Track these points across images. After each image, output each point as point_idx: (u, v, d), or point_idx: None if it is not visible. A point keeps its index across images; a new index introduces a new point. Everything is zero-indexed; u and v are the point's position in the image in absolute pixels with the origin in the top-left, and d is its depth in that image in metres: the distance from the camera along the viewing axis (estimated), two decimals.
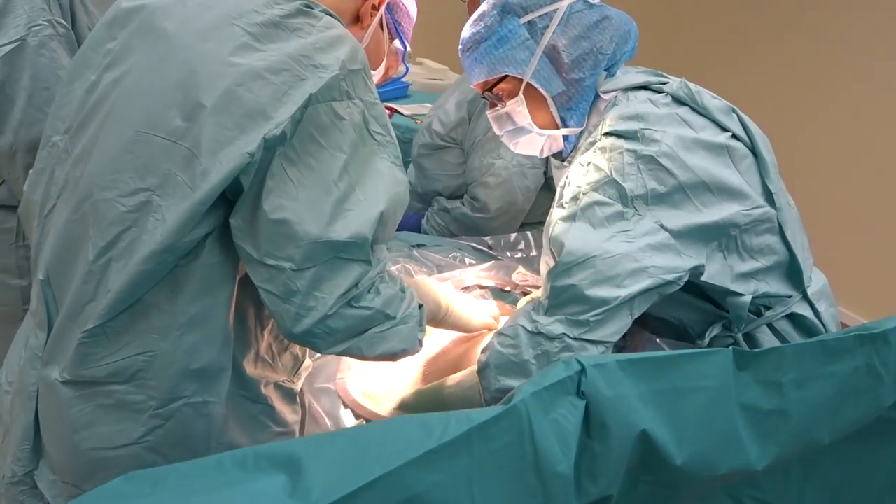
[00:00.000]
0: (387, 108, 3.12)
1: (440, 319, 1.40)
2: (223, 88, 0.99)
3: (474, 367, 1.34)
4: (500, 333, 1.30)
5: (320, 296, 1.01)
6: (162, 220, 1.00)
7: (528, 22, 1.32)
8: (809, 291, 1.35)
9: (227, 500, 0.77)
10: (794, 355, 1.03)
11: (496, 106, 1.42)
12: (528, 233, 2.19)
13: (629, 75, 1.36)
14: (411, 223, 2.43)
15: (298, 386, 1.28)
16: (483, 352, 1.32)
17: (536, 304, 1.27)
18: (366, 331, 1.08)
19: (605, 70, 1.36)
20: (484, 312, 1.53)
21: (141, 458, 1.06)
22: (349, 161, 1.02)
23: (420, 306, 1.18)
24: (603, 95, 1.36)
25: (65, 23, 1.64)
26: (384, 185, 1.06)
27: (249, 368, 1.15)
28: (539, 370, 1.16)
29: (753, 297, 1.31)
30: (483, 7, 1.38)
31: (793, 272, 1.34)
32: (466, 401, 1.30)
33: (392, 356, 1.13)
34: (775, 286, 1.33)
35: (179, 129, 1.00)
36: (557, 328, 1.21)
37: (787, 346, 1.04)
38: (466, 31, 1.39)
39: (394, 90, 3.46)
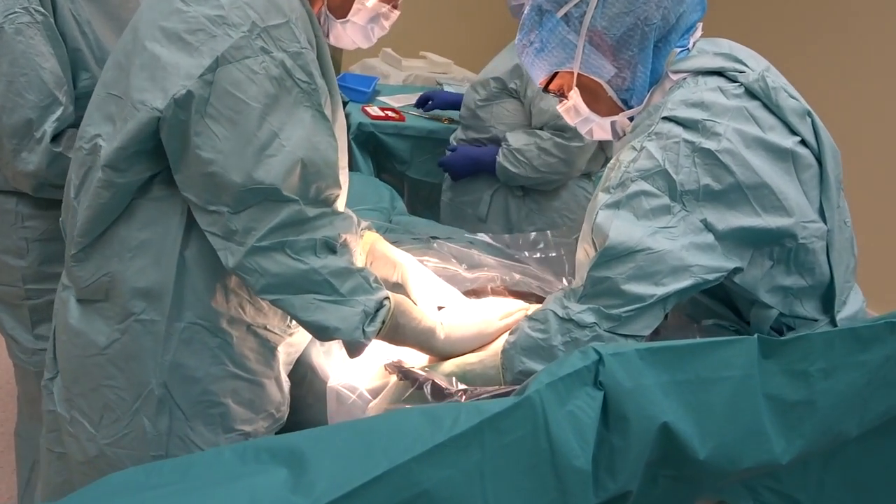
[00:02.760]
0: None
1: (438, 349, 1.35)
2: (150, 49, 1.13)
3: (497, 346, 1.31)
4: (530, 318, 1.27)
5: (253, 230, 1.12)
6: (99, 162, 1.17)
7: (565, 15, 1.26)
8: (839, 317, 1.26)
9: (228, 496, 0.73)
10: (823, 343, 0.99)
11: (563, 101, 1.37)
12: (549, 232, 2.13)
13: (705, 56, 1.26)
14: (488, 160, 2.46)
15: (283, 338, 1.33)
16: (511, 333, 1.29)
17: (569, 291, 1.24)
18: (307, 292, 1.16)
19: (661, 40, 1.26)
20: (491, 315, 1.45)
21: (104, 369, 1.22)
22: (268, 110, 1.12)
23: (382, 305, 1.23)
24: (671, 75, 1.28)
25: (43, 10, 1.64)
26: (305, 132, 1.15)
27: (215, 299, 1.23)
28: None
29: (780, 315, 1.24)
30: (525, 11, 1.34)
31: (827, 296, 1.26)
32: (487, 380, 1.27)
33: (323, 331, 1.18)
34: (808, 307, 1.25)
35: (125, 87, 1.16)
36: (589, 317, 1.17)
37: (815, 333, 1.00)
38: (516, 39, 1.36)
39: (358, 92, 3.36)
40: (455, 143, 2.63)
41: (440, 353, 1.36)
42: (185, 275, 1.21)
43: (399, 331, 1.27)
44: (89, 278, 1.22)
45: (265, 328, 1.30)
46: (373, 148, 3.02)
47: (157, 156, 1.16)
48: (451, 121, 3.06)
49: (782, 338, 0.97)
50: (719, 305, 1.34)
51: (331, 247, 1.18)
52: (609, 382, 0.87)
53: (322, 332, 1.19)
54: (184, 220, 1.19)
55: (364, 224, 1.58)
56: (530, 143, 2.37)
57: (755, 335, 0.96)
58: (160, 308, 1.20)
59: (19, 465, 2.15)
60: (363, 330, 1.19)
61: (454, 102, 2.93)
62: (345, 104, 3.18)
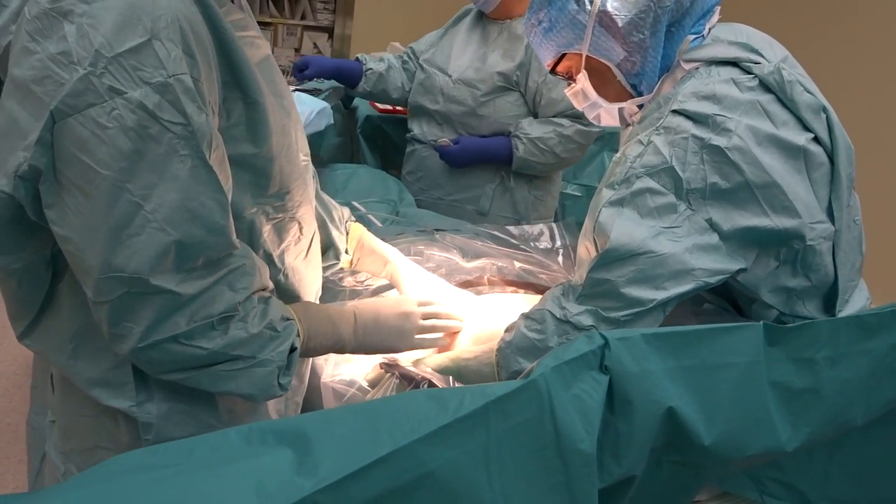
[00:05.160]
0: None
1: (350, 349, 1.27)
2: (6, 106, 0.89)
3: (494, 344, 1.30)
4: (526, 316, 1.26)
5: (127, 325, 0.93)
6: None
7: None
8: (840, 316, 1.25)
9: (232, 476, 0.73)
10: (829, 331, 0.99)
11: (572, 84, 1.34)
12: (553, 224, 2.13)
13: (719, 45, 1.22)
14: (500, 151, 2.37)
15: None
16: (507, 330, 1.28)
17: (567, 289, 1.22)
18: (208, 366, 1.00)
19: (675, 24, 1.22)
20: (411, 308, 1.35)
21: (102, 431, 1.09)
22: (126, 176, 0.86)
23: (292, 350, 1.08)
24: (684, 64, 1.24)
25: None
26: (180, 195, 0.90)
27: None
28: None
29: (781, 314, 1.23)
30: None
31: (830, 296, 1.24)
32: (481, 377, 1.26)
33: (239, 397, 1.07)
34: (809, 307, 1.24)
35: None
36: (586, 320, 1.16)
37: (821, 321, 1.00)
38: (525, 18, 1.33)
39: None
40: (442, 142, 2.48)
41: (357, 352, 1.30)
42: None
43: (310, 353, 1.20)
44: (45, 363, 1.05)
45: None
46: (381, 141, 3.02)
47: (44, 230, 0.94)
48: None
49: (788, 325, 0.97)
50: (719, 300, 1.34)
51: (230, 315, 0.99)
52: (615, 367, 0.87)
53: (241, 398, 1.07)
54: None
55: (346, 215, 1.53)
56: (549, 130, 2.32)
57: (761, 322, 0.96)
58: (125, 393, 1.04)
59: (30, 454, 2.14)
60: (278, 384, 1.06)
61: (335, 69, 2.61)
62: (353, 97, 3.18)
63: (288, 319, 1.09)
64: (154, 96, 0.85)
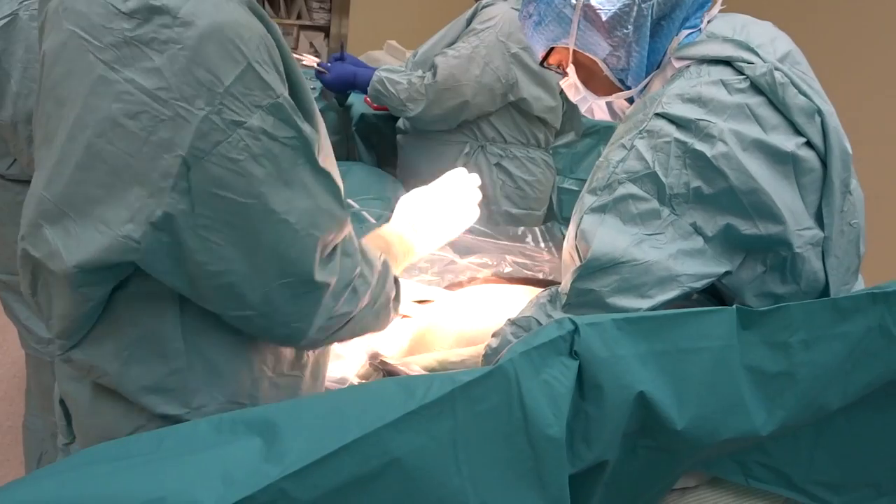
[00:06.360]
0: None
1: (418, 250, 1.40)
2: (85, 142, 0.85)
3: (480, 348, 1.30)
4: (513, 322, 1.25)
5: (296, 326, 0.98)
6: (55, 275, 0.91)
7: None
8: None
9: (199, 464, 0.74)
10: (803, 314, 0.98)
11: (564, 77, 1.34)
12: (536, 229, 2.15)
13: (713, 43, 1.18)
14: (363, 80, 2.50)
15: (302, 378, 1.20)
16: (494, 336, 1.28)
17: (554, 296, 1.22)
18: (348, 322, 1.06)
19: (664, 18, 1.19)
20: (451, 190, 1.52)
21: None
22: (266, 199, 0.89)
23: (397, 282, 1.19)
24: (675, 62, 1.21)
25: None
26: (312, 201, 0.94)
27: (240, 372, 1.07)
28: None
29: None
30: None
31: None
32: None
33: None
34: None
35: (61, 187, 0.89)
36: None
37: (795, 304, 0.99)
38: (519, 13, 1.33)
39: None
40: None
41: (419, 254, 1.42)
42: (198, 360, 1.00)
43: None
44: (87, 374, 1.02)
45: (283, 374, 1.13)
46: (376, 139, 3.02)
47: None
48: None
49: (761, 309, 0.96)
50: (705, 295, 1.33)
51: (355, 277, 1.06)
52: (584, 352, 0.87)
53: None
54: (177, 305, 0.97)
55: None
56: (406, 76, 2.41)
57: (734, 306, 0.95)
58: (181, 399, 1.01)
59: (27, 457, 2.16)
60: (395, 310, 1.20)
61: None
62: (348, 95, 3.19)
63: (377, 255, 1.16)
64: (269, 118, 0.87)
